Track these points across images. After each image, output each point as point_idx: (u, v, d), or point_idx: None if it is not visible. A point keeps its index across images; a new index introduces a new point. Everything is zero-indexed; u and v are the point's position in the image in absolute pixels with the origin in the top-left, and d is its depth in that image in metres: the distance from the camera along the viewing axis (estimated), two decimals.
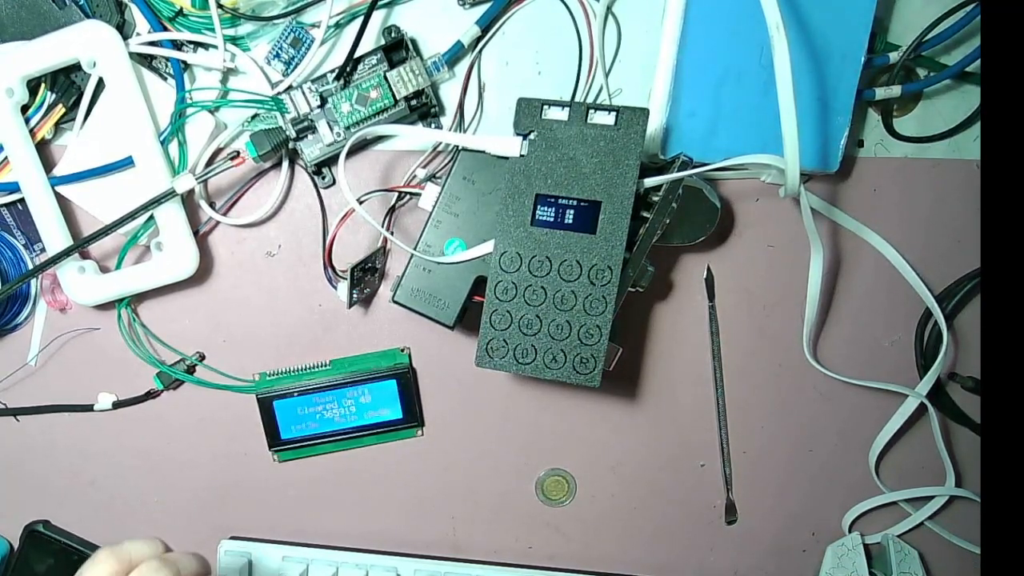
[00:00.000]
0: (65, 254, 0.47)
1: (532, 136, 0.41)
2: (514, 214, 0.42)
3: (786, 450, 0.55)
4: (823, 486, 0.55)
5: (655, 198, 0.43)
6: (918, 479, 0.55)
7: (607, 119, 0.41)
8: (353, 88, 0.47)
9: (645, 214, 0.44)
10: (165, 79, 0.48)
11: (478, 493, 0.56)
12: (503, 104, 0.50)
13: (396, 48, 0.47)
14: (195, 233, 0.50)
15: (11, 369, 0.53)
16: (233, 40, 0.48)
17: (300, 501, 0.56)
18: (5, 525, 0.56)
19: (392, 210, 0.50)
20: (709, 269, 0.52)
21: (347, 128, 0.47)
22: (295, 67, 0.47)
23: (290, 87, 0.47)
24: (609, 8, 0.48)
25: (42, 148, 0.49)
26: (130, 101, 0.46)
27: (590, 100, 0.49)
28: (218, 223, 0.51)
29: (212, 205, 0.50)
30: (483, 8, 0.48)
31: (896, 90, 0.47)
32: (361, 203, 0.48)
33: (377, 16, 0.48)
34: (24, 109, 0.47)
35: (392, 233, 0.50)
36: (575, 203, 0.41)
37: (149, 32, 0.47)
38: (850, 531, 0.55)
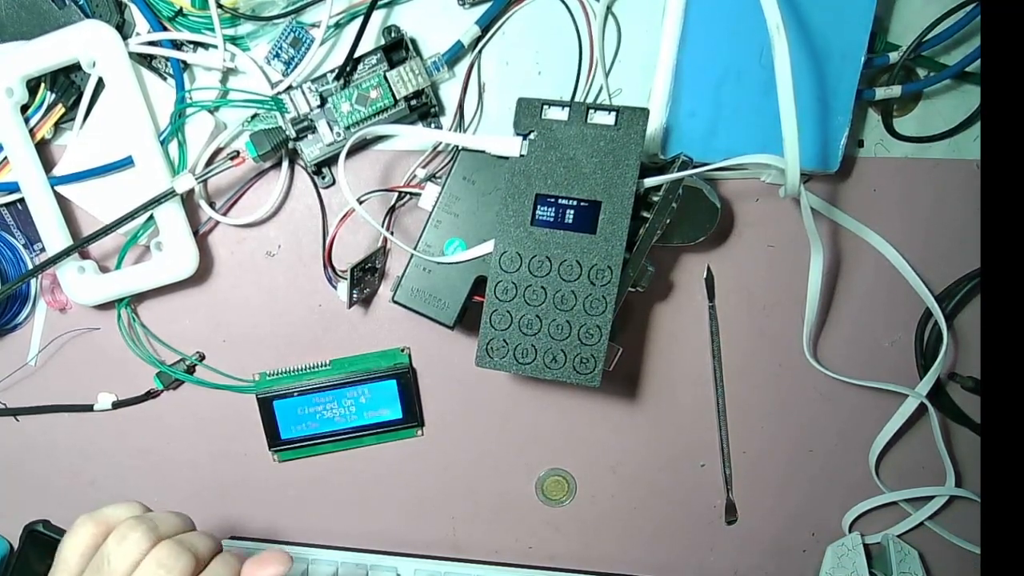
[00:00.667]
0: (65, 254, 0.47)
1: (532, 136, 0.41)
2: (514, 214, 0.42)
3: (786, 450, 0.55)
4: (823, 486, 0.55)
5: (655, 198, 0.43)
6: (918, 479, 0.55)
7: (607, 119, 0.41)
8: (353, 88, 0.47)
9: (645, 214, 0.44)
10: (165, 79, 0.48)
11: (478, 493, 0.56)
12: (503, 104, 0.50)
13: (396, 48, 0.47)
14: (195, 233, 0.50)
15: (11, 369, 0.53)
16: (233, 40, 0.48)
17: (300, 501, 0.56)
18: (5, 525, 0.56)
19: (392, 210, 0.50)
20: (709, 269, 0.52)
21: (347, 128, 0.47)
22: (295, 67, 0.47)
23: (290, 87, 0.47)
24: (609, 8, 0.48)
25: (42, 148, 0.49)
26: (130, 101, 0.46)
27: (590, 100, 0.49)
28: (218, 223, 0.51)
29: (212, 205, 0.50)
30: (483, 8, 0.48)
31: (896, 90, 0.47)
32: (361, 203, 0.48)
33: (377, 16, 0.48)
34: (24, 109, 0.47)
35: (392, 233, 0.50)
36: (575, 203, 0.41)
37: (149, 32, 0.47)
38: (850, 531, 0.56)
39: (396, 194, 0.50)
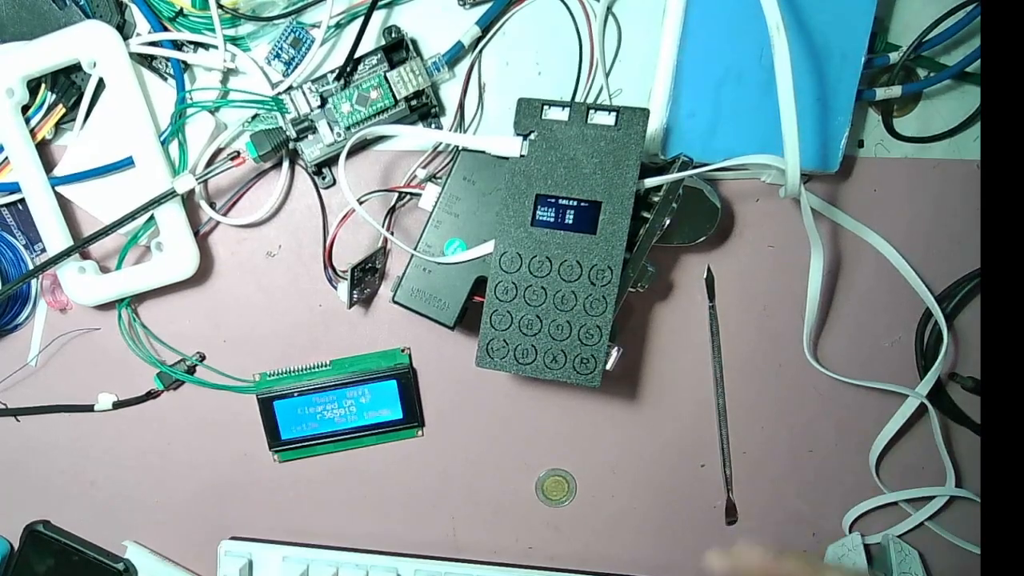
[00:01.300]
0: (65, 254, 0.47)
1: (532, 136, 0.41)
2: (514, 214, 0.42)
3: (786, 450, 0.55)
4: (823, 486, 0.55)
5: (655, 198, 0.43)
6: (918, 479, 0.55)
7: (607, 119, 0.41)
8: (353, 88, 0.47)
9: (645, 214, 0.44)
10: (165, 79, 0.48)
11: (478, 493, 0.56)
12: (503, 104, 0.50)
13: (396, 48, 0.47)
14: (195, 233, 0.50)
15: (11, 369, 0.53)
16: (233, 40, 0.48)
17: (300, 501, 0.56)
18: (5, 525, 0.56)
19: (392, 210, 0.50)
20: (709, 269, 0.52)
21: (347, 128, 0.47)
22: (295, 67, 0.47)
23: (290, 87, 0.47)
24: (609, 8, 0.48)
25: (42, 148, 0.49)
26: (130, 101, 0.46)
27: (590, 100, 0.49)
28: (218, 223, 0.51)
29: (212, 205, 0.50)
30: (483, 8, 0.48)
31: (896, 90, 0.47)
32: (361, 203, 0.48)
33: (377, 16, 0.48)
34: (24, 109, 0.47)
35: (392, 233, 0.50)
36: (575, 203, 0.41)
37: (149, 32, 0.47)
38: (850, 531, 0.55)
39: (396, 194, 0.50)
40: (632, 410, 0.54)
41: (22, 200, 0.49)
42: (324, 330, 0.53)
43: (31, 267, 0.51)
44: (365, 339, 0.53)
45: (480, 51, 0.48)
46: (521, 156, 0.42)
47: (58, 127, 0.49)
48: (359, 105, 0.47)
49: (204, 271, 0.51)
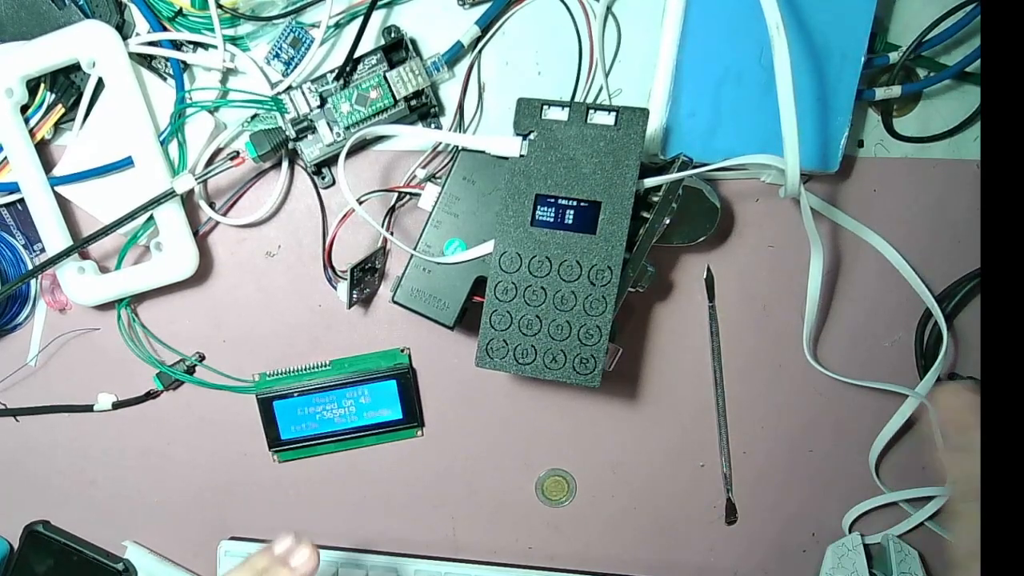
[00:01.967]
0: (65, 254, 0.47)
1: (532, 136, 0.41)
2: (514, 214, 0.42)
3: (786, 450, 0.55)
4: (823, 486, 0.55)
5: (655, 198, 0.43)
6: (918, 479, 0.55)
7: (607, 119, 0.41)
8: (353, 88, 0.47)
9: (645, 214, 0.44)
10: (165, 79, 0.48)
11: (478, 493, 0.56)
12: (503, 104, 0.50)
13: (396, 48, 0.47)
14: (195, 233, 0.50)
15: (11, 369, 0.53)
16: (233, 40, 0.48)
17: (300, 501, 0.56)
18: (5, 525, 0.56)
19: (392, 210, 0.50)
20: (709, 269, 0.52)
21: (347, 128, 0.47)
22: (295, 67, 0.47)
23: (290, 87, 0.47)
24: (609, 8, 0.48)
25: (42, 148, 0.49)
26: (130, 101, 0.46)
27: (590, 100, 0.49)
28: (218, 223, 0.51)
29: (212, 205, 0.50)
30: (483, 8, 0.48)
31: (896, 90, 0.47)
32: (361, 203, 0.48)
33: (377, 16, 0.48)
34: (24, 109, 0.47)
35: (392, 233, 0.50)
36: (575, 203, 0.41)
37: (149, 32, 0.47)
38: (850, 531, 0.55)
39: (396, 194, 0.50)
40: (632, 410, 0.54)
41: (21, 200, 0.49)
42: (324, 330, 0.53)
43: (30, 267, 0.51)
44: (365, 339, 0.53)
45: (480, 51, 0.48)
46: (521, 156, 0.42)
47: (57, 127, 0.49)
48: (359, 105, 0.47)
49: (204, 271, 0.51)
